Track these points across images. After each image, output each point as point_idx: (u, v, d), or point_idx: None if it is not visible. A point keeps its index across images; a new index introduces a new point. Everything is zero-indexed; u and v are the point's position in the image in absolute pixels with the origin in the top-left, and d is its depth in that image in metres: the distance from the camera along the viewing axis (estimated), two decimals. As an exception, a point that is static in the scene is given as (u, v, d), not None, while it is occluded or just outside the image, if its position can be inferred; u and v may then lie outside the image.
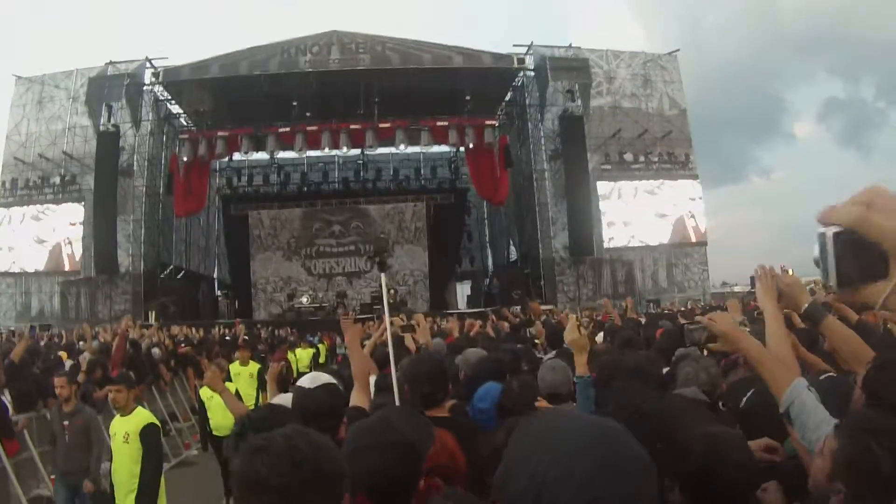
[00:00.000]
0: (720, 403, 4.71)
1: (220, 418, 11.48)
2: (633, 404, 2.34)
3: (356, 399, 4.97)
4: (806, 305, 3.57)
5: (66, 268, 36.39)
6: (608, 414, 2.22)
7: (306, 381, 4.49)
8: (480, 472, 3.28)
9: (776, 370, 3.10)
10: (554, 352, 8.53)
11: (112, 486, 7.94)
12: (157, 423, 7.98)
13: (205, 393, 12.01)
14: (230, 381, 12.28)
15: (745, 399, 4.09)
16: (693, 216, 38.83)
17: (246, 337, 21.23)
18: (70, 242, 36.32)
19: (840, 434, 2.47)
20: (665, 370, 5.84)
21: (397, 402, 4.75)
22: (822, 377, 3.95)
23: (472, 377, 6.14)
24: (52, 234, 36.45)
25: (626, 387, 4.43)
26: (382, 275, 6.19)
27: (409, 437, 2.73)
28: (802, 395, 2.95)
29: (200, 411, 12.60)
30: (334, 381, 4.85)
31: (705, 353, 5.05)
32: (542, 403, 5.15)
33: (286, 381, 12.72)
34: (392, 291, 35.80)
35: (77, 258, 36.16)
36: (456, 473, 3.15)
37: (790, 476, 3.01)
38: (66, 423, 8.83)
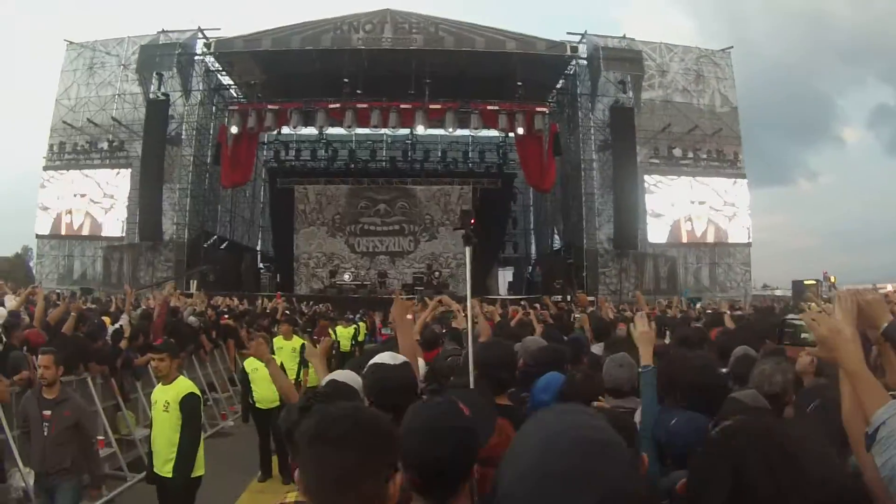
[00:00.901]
0: (784, 409, 4.62)
1: (264, 391, 11.56)
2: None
3: None
4: (886, 325, 3.32)
5: (106, 233, 36.77)
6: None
7: (387, 359, 4.43)
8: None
9: (872, 388, 2.85)
10: (601, 344, 8.47)
11: (150, 453, 7.95)
12: (198, 392, 7.95)
13: (249, 364, 12.08)
14: (273, 354, 12.30)
15: (811, 406, 3.96)
16: (739, 216, 38.50)
17: (287, 311, 21.29)
18: (112, 208, 36.63)
19: None
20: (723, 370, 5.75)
21: (472, 384, 4.69)
22: None
23: (531, 366, 6.11)
24: (97, 198, 36.71)
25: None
26: (467, 248, 6.08)
27: (469, 423, 2.71)
28: (894, 420, 2.67)
29: (243, 383, 12.68)
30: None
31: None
32: (601, 403, 5.10)
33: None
34: (436, 273, 35.93)
35: (120, 223, 36.45)
36: None
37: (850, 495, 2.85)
38: (47, 412, 7.79)
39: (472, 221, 6.48)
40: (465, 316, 6.55)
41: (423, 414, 2.67)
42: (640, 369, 4.90)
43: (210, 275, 33.99)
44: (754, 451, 2.00)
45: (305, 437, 2.07)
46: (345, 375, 4.77)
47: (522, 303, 20.65)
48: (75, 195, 36.98)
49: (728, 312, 13.23)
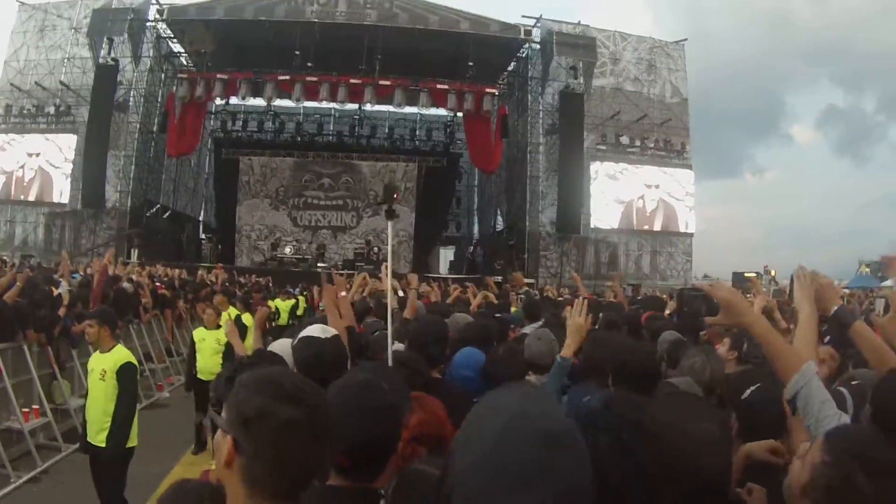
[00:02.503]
0: (718, 397, 4.68)
1: (207, 361, 11.61)
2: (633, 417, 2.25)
3: None
4: (836, 308, 3.57)
5: (48, 198, 36.30)
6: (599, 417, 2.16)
7: (317, 331, 4.41)
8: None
9: (785, 350, 2.95)
10: (540, 322, 8.52)
11: (85, 423, 7.90)
12: (135, 362, 7.94)
13: (198, 334, 12.22)
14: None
15: (747, 392, 4.01)
16: (683, 206, 38.86)
17: (226, 283, 21.23)
18: (56, 173, 36.19)
19: (827, 448, 2.25)
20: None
21: (390, 362, 4.69)
22: (853, 382, 3.94)
23: (457, 341, 6.13)
24: (42, 163, 36.27)
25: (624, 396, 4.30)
26: (390, 224, 6.06)
27: (392, 400, 2.71)
28: (812, 383, 2.82)
29: (190, 352, 12.70)
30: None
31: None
32: (532, 377, 5.14)
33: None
34: (375, 249, 35.86)
35: (62, 190, 36.04)
36: (443, 441, 3.13)
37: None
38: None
39: (396, 196, 6.46)
40: (385, 291, 6.58)
41: (348, 393, 2.66)
42: (557, 357, 4.94)
43: (135, 239, 33.65)
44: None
45: (280, 421, 1.96)
46: (280, 346, 4.78)
47: (467, 283, 20.70)
48: (20, 159, 36.44)
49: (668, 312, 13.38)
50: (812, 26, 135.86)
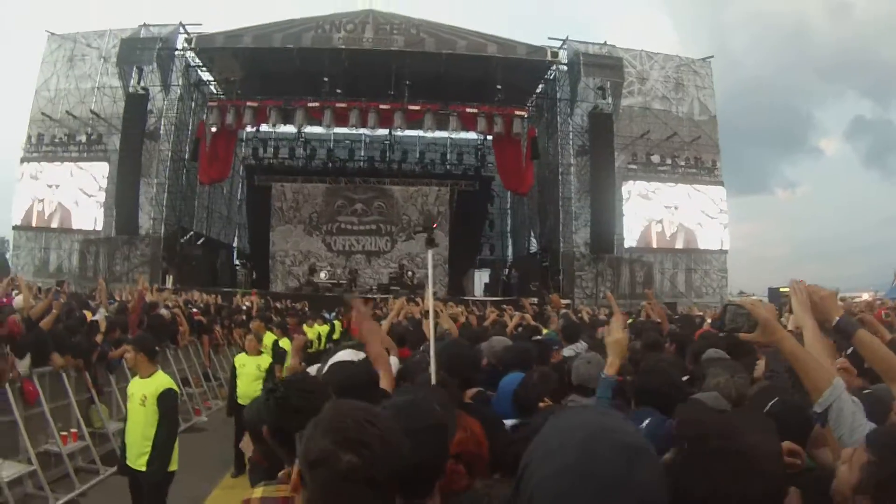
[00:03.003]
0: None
1: (247, 386, 11.69)
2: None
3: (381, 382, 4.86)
4: (838, 318, 3.55)
5: (81, 226, 36.56)
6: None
7: (347, 356, 4.48)
8: (494, 463, 3.31)
9: (816, 368, 3.02)
10: (579, 344, 8.53)
11: (123, 446, 7.98)
12: (176, 388, 8.01)
13: (238, 360, 12.29)
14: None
15: (769, 405, 4.05)
16: (716, 223, 38.70)
17: (260, 309, 21.35)
18: (89, 201, 36.45)
19: (872, 449, 2.42)
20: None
21: (433, 382, 4.72)
22: (865, 391, 3.96)
23: (495, 365, 6.15)
24: (74, 191, 36.52)
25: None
26: (430, 252, 6.09)
27: (442, 420, 2.73)
28: (843, 397, 2.91)
29: (231, 378, 12.80)
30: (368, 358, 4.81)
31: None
32: (545, 403, 5.14)
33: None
34: (410, 273, 35.92)
35: (95, 218, 36.31)
36: (480, 461, 3.16)
37: (811, 486, 2.96)
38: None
39: (434, 225, 6.53)
40: (428, 315, 6.59)
41: (396, 414, 2.61)
42: (602, 375, 4.95)
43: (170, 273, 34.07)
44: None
45: (339, 470, 2.00)
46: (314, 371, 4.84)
47: (504, 306, 20.70)
48: (52, 187, 36.67)
49: (710, 320, 13.29)
50: (833, 39, 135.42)
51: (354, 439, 2.02)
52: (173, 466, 7.80)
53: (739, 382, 4.85)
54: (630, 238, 37.60)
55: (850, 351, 5.01)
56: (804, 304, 3.38)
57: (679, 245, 38.35)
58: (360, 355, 4.58)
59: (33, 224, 36.87)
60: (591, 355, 5.78)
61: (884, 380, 3.68)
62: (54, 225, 36.72)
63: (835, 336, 3.80)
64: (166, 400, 7.71)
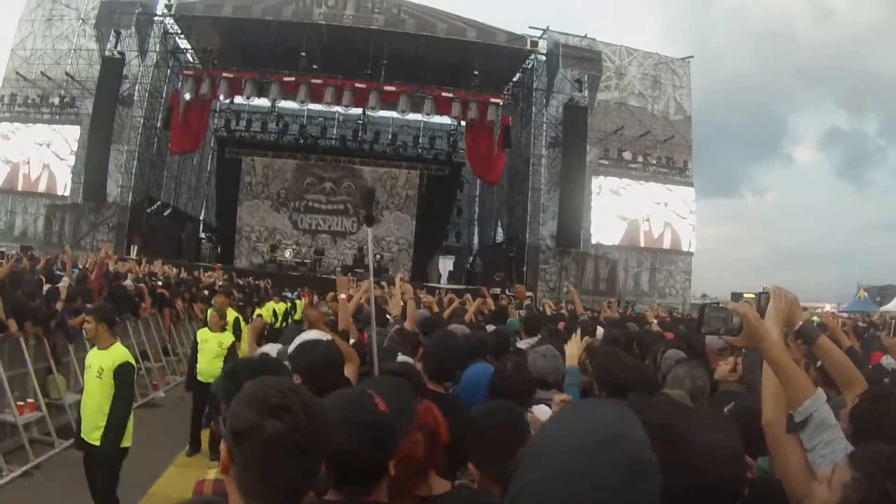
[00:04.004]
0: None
1: (207, 364, 11.52)
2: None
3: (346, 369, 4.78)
4: (801, 323, 3.50)
5: (48, 190, 36.47)
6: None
7: (315, 336, 4.42)
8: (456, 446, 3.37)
9: (799, 378, 3.00)
10: (537, 338, 8.50)
11: (80, 419, 7.85)
12: (133, 362, 7.84)
13: (201, 335, 12.13)
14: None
15: (727, 408, 4.08)
16: (684, 224, 38.88)
17: (222, 284, 21.18)
18: (58, 165, 36.33)
19: (855, 467, 2.39)
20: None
21: (376, 371, 4.66)
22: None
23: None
24: (43, 155, 36.33)
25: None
26: (370, 230, 6.01)
27: (384, 419, 2.64)
28: (823, 409, 2.90)
29: (192, 353, 12.57)
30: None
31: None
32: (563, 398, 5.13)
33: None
34: (377, 256, 35.83)
35: (63, 182, 36.15)
36: (439, 436, 3.17)
37: (763, 493, 2.95)
38: None
39: (373, 201, 6.42)
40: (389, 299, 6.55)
41: (337, 406, 2.59)
42: (567, 368, 4.96)
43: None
44: None
45: (265, 437, 1.97)
46: (270, 349, 4.77)
47: (467, 295, 20.63)
48: (23, 149, 36.54)
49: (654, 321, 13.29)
50: (815, 46, 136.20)
51: (277, 405, 2.00)
52: (127, 442, 7.67)
53: (697, 377, 4.93)
54: (597, 234, 37.67)
55: (819, 364, 5.04)
56: (780, 313, 3.33)
57: (644, 244, 38.51)
58: (326, 337, 4.51)
59: (0, 186, 36.57)
60: (545, 348, 5.75)
61: (839, 387, 3.73)
62: (22, 188, 36.47)
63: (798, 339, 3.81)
64: (123, 374, 7.56)
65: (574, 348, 5.50)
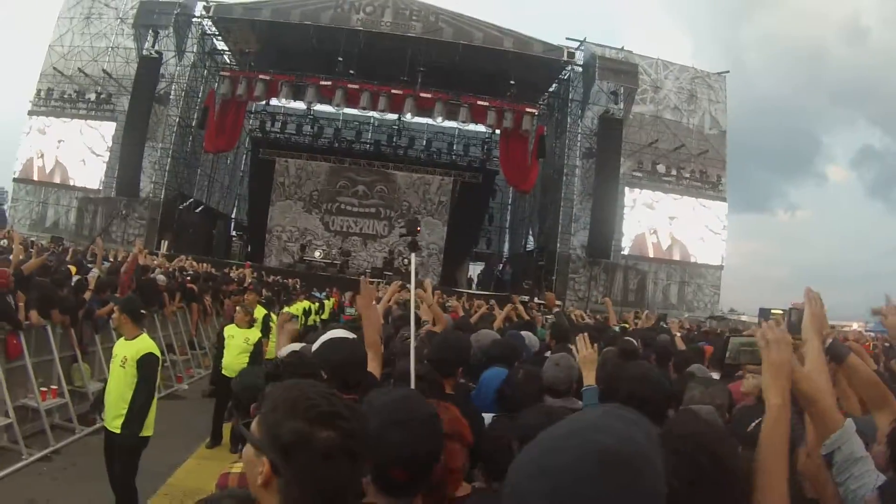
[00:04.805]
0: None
1: (233, 359, 11.55)
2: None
3: (370, 366, 4.74)
4: (830, 340, 3.42)
5: (81, 184, 36.79)
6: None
7: (340, 334, 4.45)
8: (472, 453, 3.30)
9: (830, 409, 2.88)
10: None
11: (101, 406, 7.93)
12: (157, 353, 7.90)
13: (228, 331, 12.18)
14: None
15: (752, 425, 4.01)
16: (715, 238, 38.66)
17: (252, 282, 21.23)
18: (92, 160, 36.61)
19: (885, 501, 2.37)
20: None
21: (412, 376, 4.66)
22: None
23: (480, 359, 6.09)
24: (78, 148, 36.62)
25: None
26: (413, 255, 6.04)
27: (434, 411, 2.69)
28: (853, 441, 2.77)
29: (218, 348, 12.69)
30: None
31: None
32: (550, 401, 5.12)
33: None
34: (405, 261, 35.87)
35: (97, 177, 36.48)
36: (465, 441, 3.15)
37: None
38: None
39: (418, 230, 6.45)
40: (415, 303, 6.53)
41: (387, 407, 2.58)
42: (583, 388, 4.95)
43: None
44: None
45: (320, 448, 1.91)
46: (301, 348, 4.80)
47: (492, 301, 20.58)
48: (59, 142, 36.81)
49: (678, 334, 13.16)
50: (849, 65, 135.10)
51: (327, 412, 1.94)
52: (148, 432, 7.72)
53: (717, 395, 4.80)
54: (628, 245, 37.53)
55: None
56: (816, 318, 3.24)
57: (675, 257, 38.32)
58: (351, 335, 4.54)
59: (34, 178, 36.92)
60: (559, 356, 5.69)
61: (870, 407, 3.57)
62: (56, 180, 36.78)
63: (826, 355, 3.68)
64: (146, 364, 7.63)
65: (589, 361, 5.39)
